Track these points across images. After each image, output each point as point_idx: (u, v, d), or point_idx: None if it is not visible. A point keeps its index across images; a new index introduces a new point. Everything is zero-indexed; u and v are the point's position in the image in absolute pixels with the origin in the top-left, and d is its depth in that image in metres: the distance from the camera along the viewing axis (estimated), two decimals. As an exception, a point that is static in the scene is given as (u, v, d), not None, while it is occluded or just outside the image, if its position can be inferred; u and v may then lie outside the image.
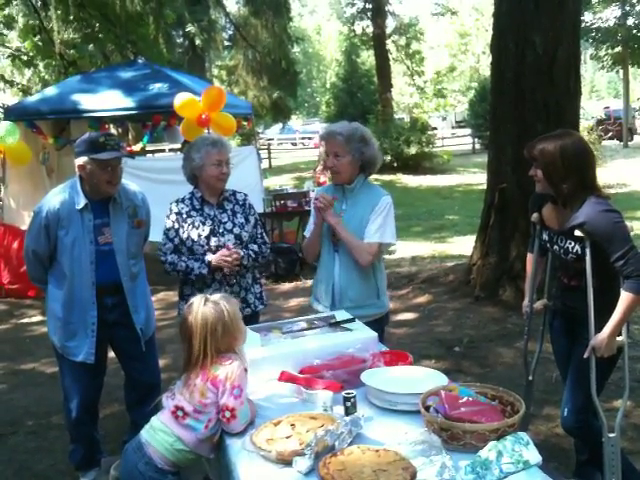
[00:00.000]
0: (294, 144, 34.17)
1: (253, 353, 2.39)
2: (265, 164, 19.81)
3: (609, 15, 25.91)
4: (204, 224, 3.19)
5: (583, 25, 20.16)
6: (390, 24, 27.74)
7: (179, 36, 22.60)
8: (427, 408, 1.96)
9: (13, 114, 7.91)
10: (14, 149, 7.42)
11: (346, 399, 2.07)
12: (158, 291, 6.75)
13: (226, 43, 25.19)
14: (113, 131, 10.27)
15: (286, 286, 7.55)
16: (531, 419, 3.33)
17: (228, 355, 2.14)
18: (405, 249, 9.09)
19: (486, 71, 33.16)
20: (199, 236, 3.17)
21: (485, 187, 6.48)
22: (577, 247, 2.58)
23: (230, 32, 24.41)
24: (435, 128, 27.43)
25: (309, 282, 6.64)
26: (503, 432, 1.78)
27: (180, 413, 2.12)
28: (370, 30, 26.35)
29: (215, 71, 27.77)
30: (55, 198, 3.03)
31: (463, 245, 8.82)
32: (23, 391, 4.76)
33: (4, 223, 7.73)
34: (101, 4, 11.71)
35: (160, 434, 2.14)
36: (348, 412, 2.04)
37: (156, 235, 3.45)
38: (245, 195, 3.39)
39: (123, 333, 3.19)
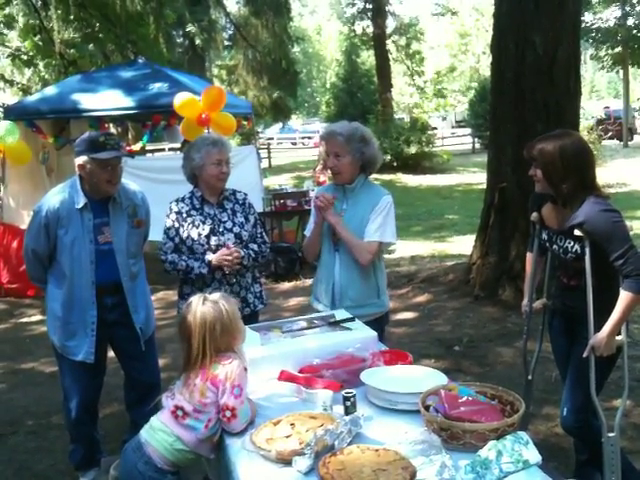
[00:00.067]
0: (294, 143, 34.15)
1: (253, 352, 2.39)
2: (265, 163, 19.79)
3: (609, 15, 25.98)
4: (204, 223, 3.19)
5: (583, 25, 20.18)
6: (390, 24, 27.81)
7: (179, 36, 22.61)
8: (427, 407, 1.96)
9: (13, 113, 7.90)
10: (14, 148, 7.41)
11: (346, 398, 2.06)
12: (158, 290, 6.75)
13: (226, 43, 25.20)
14: (113, 130, 10.25)
15: (286, 285, 7.55)
16: (531, 418, 3.33)
17: (227, 354, 2.14)
18: (405, 248, 9.09)
19: (486, 71, 33.14)
20: (199, 235, 3.17)
21: (485, 187, 6.48)
22: (576, 246, 2.58)
23: (230, 32, 24.41)
24: (435, 128, 27.41)
25: (309, 281, 6.64)
26: (503, 431, 1.78)
27: (180, 413, 2.12)
28: (370, 30, 26.36)
29: (215, 71, 27.76)
30: (55, 197, 3.03)
31: (463, 245, 8.82)
32: (23, 391, 4.75)
33: (4, 222, 7.73)
34: (101, 4, 11.72)
35: (160, 434, 2.14)
36: (348, 411, 2.04)
37: (156, 234, 3.45)
38: (245, 194, 3.39)
39: (123, 333, 3.19)
